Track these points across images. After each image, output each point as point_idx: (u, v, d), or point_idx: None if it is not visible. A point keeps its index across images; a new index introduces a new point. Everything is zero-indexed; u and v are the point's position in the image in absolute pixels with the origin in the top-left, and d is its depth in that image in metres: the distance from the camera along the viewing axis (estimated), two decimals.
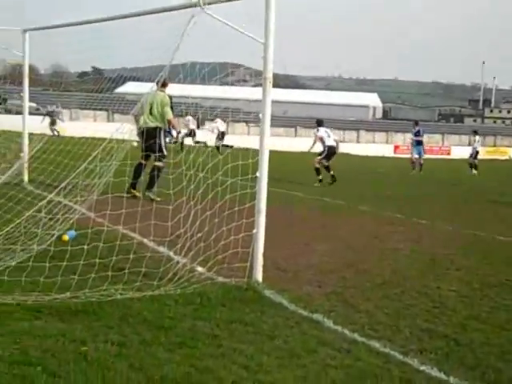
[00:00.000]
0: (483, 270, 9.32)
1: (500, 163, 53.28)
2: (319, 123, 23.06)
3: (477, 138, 38.18)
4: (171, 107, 14.22)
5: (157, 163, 13.86)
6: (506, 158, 67.34)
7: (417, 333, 6.31)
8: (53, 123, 41.04)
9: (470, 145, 50.32)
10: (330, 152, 22.17)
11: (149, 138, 13.25)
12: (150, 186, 13.75)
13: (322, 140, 22.24)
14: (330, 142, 22.31)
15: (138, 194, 13.27)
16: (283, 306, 6.87)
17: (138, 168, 13.80)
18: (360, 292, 7.69)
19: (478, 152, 37.34)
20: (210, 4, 7.70)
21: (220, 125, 35.74)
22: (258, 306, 6.79)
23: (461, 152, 55.62)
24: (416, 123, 36.44)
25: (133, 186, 13.47)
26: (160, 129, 14.04)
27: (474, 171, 35.49)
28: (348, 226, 12.94)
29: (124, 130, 8.52)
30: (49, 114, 41.93)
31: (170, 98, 14.32)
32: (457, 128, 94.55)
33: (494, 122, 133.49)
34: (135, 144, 8.50)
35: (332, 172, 22.04)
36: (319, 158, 22.07)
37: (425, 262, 9.75)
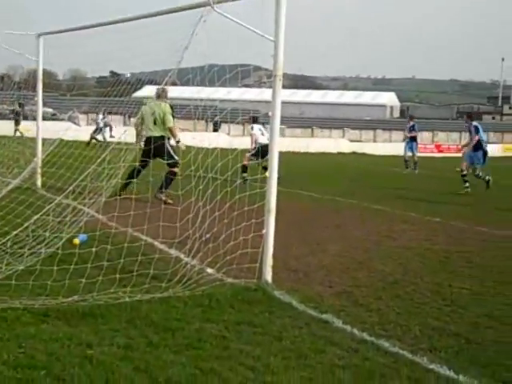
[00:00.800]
0: (497, 268, 9.21)
1: None
2: (254, 120, 21.93)
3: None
4: (172, 115, 14.36)
5: (173, 169, 13.94)
6: None
7: (427, 331, 6.22)
8: (16, 123, 40.75)
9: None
10: (262, 150, 18.19)
11: (156, 146, 13.35)
12: (162, 187, 13.69)
13: (253, 137, 20.91)
14: (262, 140, 20.08)
15: (124, 194, 12.77)
16: (293, 307, 6.79)
17: (132, 172, 13.56)
18: (371, 291, 7.61)
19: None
20: (219, 3, 7.66)
21: (101, 120, 37.87)
22: (267, 306, 6.72)
23: None
24: (411, 118, 33.38)
25: (125, 186, 13.13)
26: (165, 137, 14.21)
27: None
28: (360, 225, 12.82)
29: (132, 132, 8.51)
30: (15, 113, 41.37)
31: (171, 106, 14.50)
32: None
33: None
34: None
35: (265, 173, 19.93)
36: (248, 154, 20.33)
37: (438, 260, 9.65)
